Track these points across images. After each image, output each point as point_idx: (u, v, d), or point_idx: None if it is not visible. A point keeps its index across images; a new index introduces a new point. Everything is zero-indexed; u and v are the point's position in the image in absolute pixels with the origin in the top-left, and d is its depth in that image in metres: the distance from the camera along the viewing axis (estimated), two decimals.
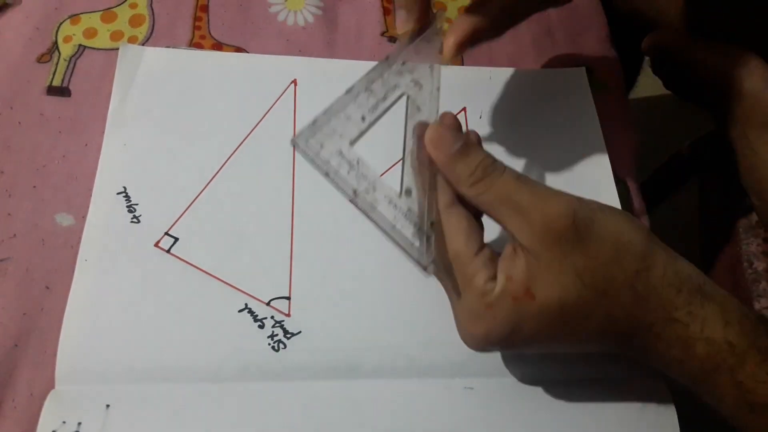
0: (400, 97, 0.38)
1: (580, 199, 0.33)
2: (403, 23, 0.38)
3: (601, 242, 0.32)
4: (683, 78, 0.55)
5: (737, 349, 0.31)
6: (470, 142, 0.34)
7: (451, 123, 0.36)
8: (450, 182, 0.34)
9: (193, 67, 0.48)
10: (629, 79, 0.79)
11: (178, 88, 0.47)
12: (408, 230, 0.35)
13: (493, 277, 0.33)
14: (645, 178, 0.81)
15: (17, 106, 0.45)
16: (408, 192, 0.35)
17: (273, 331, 0.39)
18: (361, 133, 0.36)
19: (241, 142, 0.45)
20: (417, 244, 0.34)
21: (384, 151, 0.37)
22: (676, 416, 0.38)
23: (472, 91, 0.49)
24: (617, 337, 0.33)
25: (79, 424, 0.34)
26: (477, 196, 0.33)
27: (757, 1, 0.49)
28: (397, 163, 0.40)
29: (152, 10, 0.51)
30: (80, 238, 0.40)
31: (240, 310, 0.39)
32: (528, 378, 0.39)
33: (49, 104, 0.45)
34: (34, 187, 0.42)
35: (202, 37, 0.50)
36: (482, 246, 0.34)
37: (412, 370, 0.39)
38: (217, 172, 0.44)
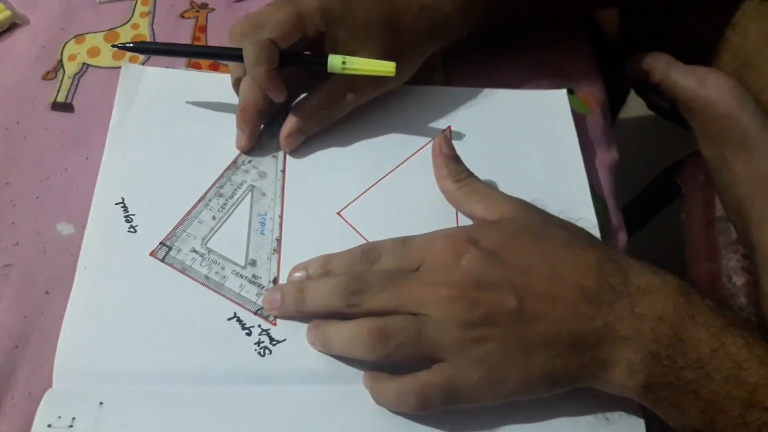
0: (246, 191, 0.45)
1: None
2: (241, 143, 0.47)
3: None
4: (663, 100, 0.57)
5: None
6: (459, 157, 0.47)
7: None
8: (437, 176, 0.46)
9: (190, 85, 0.50)
10: (619, 99, 0.81)
11: (176, 106, 0.49)
12: (251, 292, 0.42)
13: None
14: (633, 196, 0.82)
15: (23, 122, 0.47)
16: (252, 262, 0.42)
17: (260, 339, 0.41)
18: (213, 231, 0.44)
19: (235, 158, 0.47)
20: (258, 301, 0.41)
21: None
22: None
23: (457, 110, 0.51)
24: None
25: (74, 419, 0.36)
26: (457, 189, 0.45)
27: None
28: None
29: (153, 30, 0.53)
30: (80, 246, 0.43)
31: (229, 318, 0.41)
32: None
33: (53, 119, 0.48)
34: (38, 197, 0.45)
35: None
36: None
37: None
38: (212, 186, 0.46)
